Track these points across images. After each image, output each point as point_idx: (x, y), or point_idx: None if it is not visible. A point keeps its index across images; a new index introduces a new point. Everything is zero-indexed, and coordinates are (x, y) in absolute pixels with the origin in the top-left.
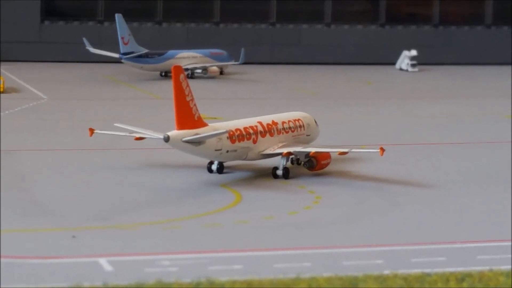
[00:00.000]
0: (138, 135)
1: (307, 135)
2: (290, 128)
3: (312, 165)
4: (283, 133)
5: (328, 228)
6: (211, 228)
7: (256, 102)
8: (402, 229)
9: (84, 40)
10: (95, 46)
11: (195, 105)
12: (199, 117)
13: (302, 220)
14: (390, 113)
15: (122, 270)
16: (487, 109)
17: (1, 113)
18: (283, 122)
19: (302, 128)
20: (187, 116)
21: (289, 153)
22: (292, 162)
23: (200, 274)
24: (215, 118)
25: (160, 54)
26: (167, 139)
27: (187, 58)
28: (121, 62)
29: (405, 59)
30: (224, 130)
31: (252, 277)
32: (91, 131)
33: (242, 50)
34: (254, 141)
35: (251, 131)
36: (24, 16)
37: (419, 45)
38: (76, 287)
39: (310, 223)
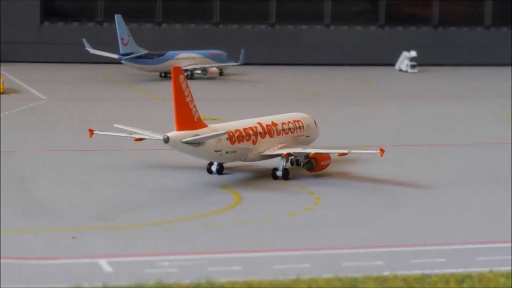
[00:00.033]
0: (137, 136)
1: (306, 136)
2: (289, 129)
3: (311, 166)
4: (282, 134)
5: (328, 229)
6: (211, 229)
7: (256, 103)
8: (402, 230)
9: (84, 40)
10: (94, 46)
11: (194, 106)
12: (199, 118)
13: (301, 221)
14: (389, 114)
15: (122, 271)
16: (487, 110)
17: (1, 114)
18: (283, 123)
19: (302, 129)
20: (186, 117)
21: (289, 154)
22: (291, 163)
23: (200, 275)
24: (214, 119)
25: (159, 55)
26: (166, 140)
27: (187, 59)
28: (120, 63)
29: (404, 60)
30: (223, 131)
31: (252, 278)
32: (91, 132)
33: (242, 51)
34: (254, 142)
35: (250, 132)
36: (23, 16)
37: (419, 46)
38: None
39: (309, 224)
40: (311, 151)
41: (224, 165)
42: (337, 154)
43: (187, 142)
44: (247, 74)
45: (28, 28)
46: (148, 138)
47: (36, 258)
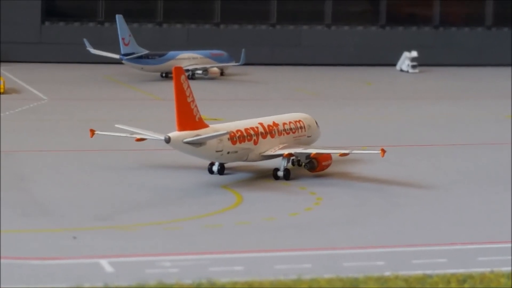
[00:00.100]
0: (138, 136)
1: (308, 136)
2: (291, 129)
3: (313, 167)
4: (284, 134)
5: (329, 229)
6: (212, 229)
7: (257, 103)
8: (403, 230)
9: (85, 41)
10: (95, 47)
11: (196, 106)
12: (200, 118)
13: (303, 221)
14: (390, 114)
15: (122, 271)
16: (487, 110)
17: (2, 114)
18: (284, 123)
19: (303, 129)
20: (188, 117)
21: (290, 154)
22: (293, 163)
23: (201, 275)
24: (216, 119)
25: (160, 55)
26: (168, 140)
27: (188, 59)
28: (121, 63)
29: (405, 60)
30: (225, 131)
31: (253, 278)
32: (92, 132)
33: (243, 51)
34: (255, 142)
35: (252, 132)
36: (24, 16)
37: (420, 46)
38: None
39: (311, 224)
40: (312, 151)
41: (225, 165)
42: (339, 154)
43: (188, 142)
44: (248, 74)
45: (29, 28)
46: (149, 138)
47: (36, 258)
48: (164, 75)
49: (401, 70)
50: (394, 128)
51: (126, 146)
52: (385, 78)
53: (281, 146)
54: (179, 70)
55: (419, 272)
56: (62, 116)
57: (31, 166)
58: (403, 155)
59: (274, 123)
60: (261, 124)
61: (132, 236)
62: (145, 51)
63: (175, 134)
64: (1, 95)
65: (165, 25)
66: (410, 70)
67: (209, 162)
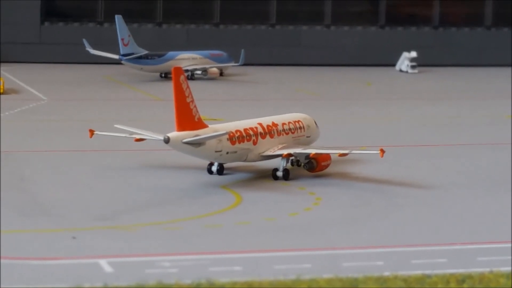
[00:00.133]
0: (138, 136)
1: (307, 137)
2: (290, 129)
3: (312, 167)
4: (283, 135)
5: (328, 229)
6: (211, 229)
7: (256, 103)
8: (402, 231)
9: (84, 41)
10: (95, 47)
11: (195, 106)
12: (199, 119)
13: (302, 221)
14: (390, 114)
15: (122, 271)
16: (487, 110)
17: (1, 114)
18: (283, 124)
19: (302, 130)
20: (187, 118)
21: (289, 155)
22: (292, 164)
23: (201, 275)
24: (215, 119)
25: (160, 56)
26: (167, 141)
27: (187, 59)
28: (121, 63)
29: (405, 60)
30: (224, 132)
31: (252, 278)
32: (91, 132)
33: (242, 51)
34: (254, 143)
35: (251, 132)
36: (24, 17)
37: (419, 47)
38: None
39: (310, 224)
40: (312, 151)
41: (225, 165)
42: (338, 154)
43: (187, 143)
44: (248, 75)
45: (29, 28)
46: (148, 139)
47: (36, 258)
48: (163, 75)
49: (401, 71)
50: (393, 128)
51: (126, 146)
52: (385, 78)
53: (280, 146)
54: (178, 70)
55: (418, 272)
56: (61, 116)
57: (31, 166)
58: (402, 155)
59: (273, 123)
60: (260, 124)
61: (132, 236)
62: (144, 52)
63: (174, 134)
64: (1, 96)
65: (164, 26)
66: (410, 71)
67: (208, 162)
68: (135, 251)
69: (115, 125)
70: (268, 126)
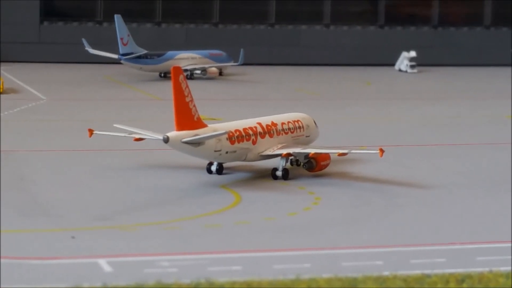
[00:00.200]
0: (137, 136)
1: (306, 136)
2: (289, 129)
3: (311, 166)
4: (282, 134)
5: (327, 229)
6: (210, 229)
7: (255, 103)
8: (402, 230)
9: (83, 41)
10: (94, 47)
11: (194, 106)
12: (199, 118)
13: (301, 221)
14: (389, 114)
15: (121, 271)
16: (487, 110)
17: (1, 114)
18: (283, 123)
19: (302, 129)
20: (186, 117)
21: (289, 154)
22: (291, 163)
23: (200, 275)
24: (214, 119)
25: (159, 55)
26: (166, 140)
27: (187, 59)
28: (120, 63)
29: (404, 60)
30: (223, 131)
31: (252, 278)
32: (91, 132)
33: (241, 51)
34: (254, 142)
35: (250, 132)
36: (23, 16)
37: (418, 46)
38: None
39: (309, 224)
40: (311, 151)
41: (224, 165)
42: (337, 154)
43: (187, 142)
44: (247, 74)
45: (28, 28)
46: (147, 138)
47: (36, 258)
48: (162, 75)
49: (400, 70)
50: (393, 128)
51: (125, 146)
52: (384, 78)
53: (279, 146)
54: (177, 70)
55: (417, 272)
56: (61, 116)
57: (31, 166)
58: (402, 155)
59: (272, 123)
60: (259, 124)
61: (131, 236)
62: (143, 51)
63: (173, 134)
64: (0, 95)
65: (163, 25)
66: (409, 70)
67: (207, 162)
68: (135, 251)
69: (115, 125)
70: (267, 125)
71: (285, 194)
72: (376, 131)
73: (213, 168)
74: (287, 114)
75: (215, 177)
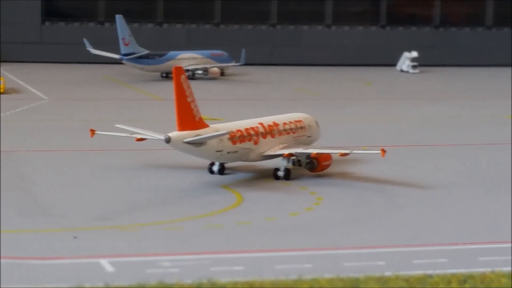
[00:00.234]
0: (139, 136)
1: (308, 136)
2: (291, 129)
3: (313, 167)
4: (284, 134)
5: (329, 229)
6: (212, 229)
7: (257, 103)
8: (404, 231)
9: (85, 41)
10: (95, 47)
11: (196, 106)
12: (200, 118)
13: (303, 221)
14: (391, 114)
15: (123, 271)
16: (488, 110)
17: (2, 114)
18: (284, 123)
19: (303, 129)
20: (188, 117)
21: (290, 154)
22: (293, 164)
23: (202, 275)
24: (216, 119)
25: (160, 55)
26: (168, 140)
27: (188, 59)
28: (121, 63)
29: (405, 60)
30: (225, 131)
31: (254, 278)
32: (92, 132)
33: (243, 51)
34: (255, 142)
35: (252, 132)
36: (24, 16)
37: (420, 47)
38: None
39: (311, 224)
40: (313, 151)
41: (226, 165)
42: (339, 154)
43: (188, 142)
44: (248, 74)
45: (29, 28)
46: (149, 138)
47: (36, 258)
48: (164, 75)
49: (401, 70)
50: (394, 128)
51: (126, 146)
52: (385, 78)
53: (281, 146)
54: (179, 70)
55: (419, 272)
56: (62, 116)
57: (31, 166)
58: (403, 155)
59: (274, 123)
60: (261, 124)
61: (133, 236)
62: (145, 51)
63: (175, 134)
64: (1, 95)
65: (165, 25)
66: (410, 70)
67: (209, 162)
68: (136, 251)
69: (116, 125)
70: (269, 125)
71: (286, 194)
72: (377, 131)
73: (215, 168)
74: (289, 114)
75: (217, 177)
